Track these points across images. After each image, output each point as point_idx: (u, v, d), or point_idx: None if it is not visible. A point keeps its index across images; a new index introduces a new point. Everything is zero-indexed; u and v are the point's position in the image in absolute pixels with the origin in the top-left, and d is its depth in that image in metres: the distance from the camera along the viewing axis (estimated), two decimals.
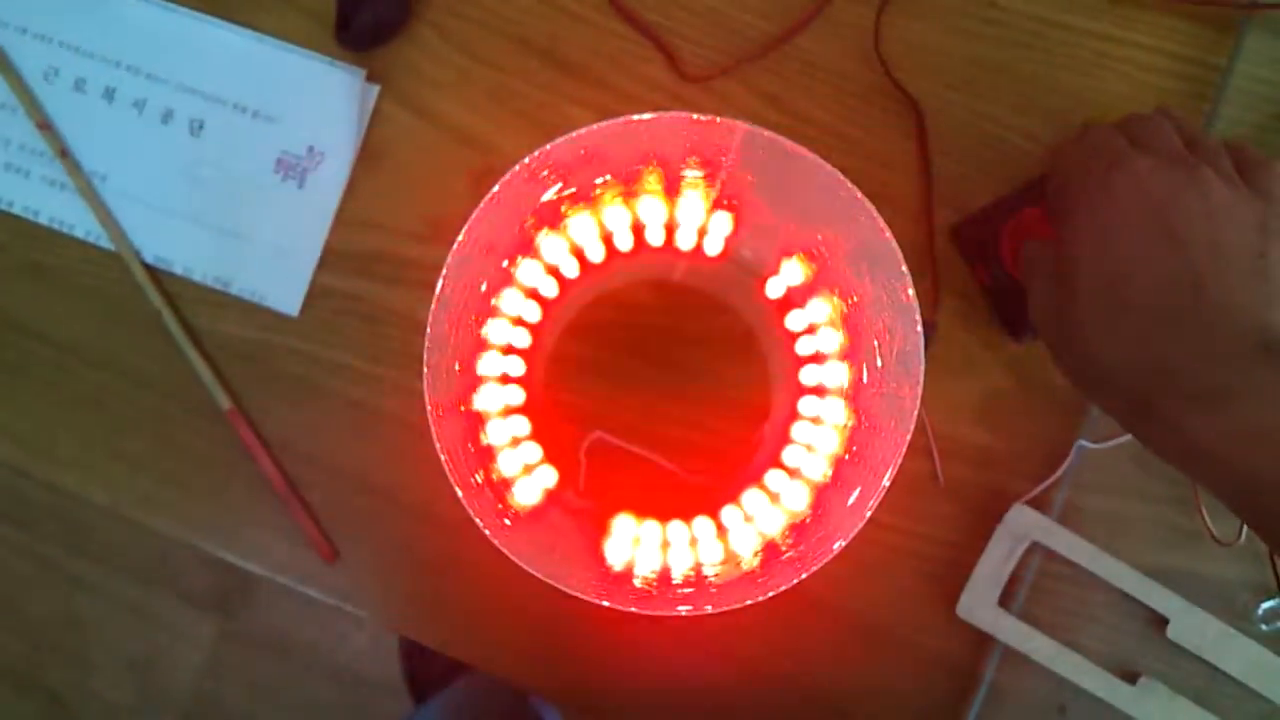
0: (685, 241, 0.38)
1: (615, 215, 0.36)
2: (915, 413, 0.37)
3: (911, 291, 0.34)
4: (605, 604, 0.38)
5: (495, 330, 0.39)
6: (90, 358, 0.51)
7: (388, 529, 0.51)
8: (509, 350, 0.40)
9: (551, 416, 0.49)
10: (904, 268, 0.34)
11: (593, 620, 0.50)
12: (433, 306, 0.36)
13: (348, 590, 0.51)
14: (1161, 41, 0.51)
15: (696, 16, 0.51)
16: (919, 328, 0.33)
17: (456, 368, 0.38)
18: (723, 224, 0.38)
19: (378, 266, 0.51)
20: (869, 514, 0.39)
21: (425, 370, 0.38)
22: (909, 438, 0.39)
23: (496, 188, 0.33)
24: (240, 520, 0.51)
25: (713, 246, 0.38)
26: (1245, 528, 0.50)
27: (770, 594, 0.39)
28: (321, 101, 0.50)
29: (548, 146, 0.32)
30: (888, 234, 0.33)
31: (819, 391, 0.41)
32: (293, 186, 0.51)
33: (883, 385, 0.38)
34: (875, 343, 0.38)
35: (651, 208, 0.37)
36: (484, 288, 0.38)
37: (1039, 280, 0.44)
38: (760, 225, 0.37)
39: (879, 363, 0.39)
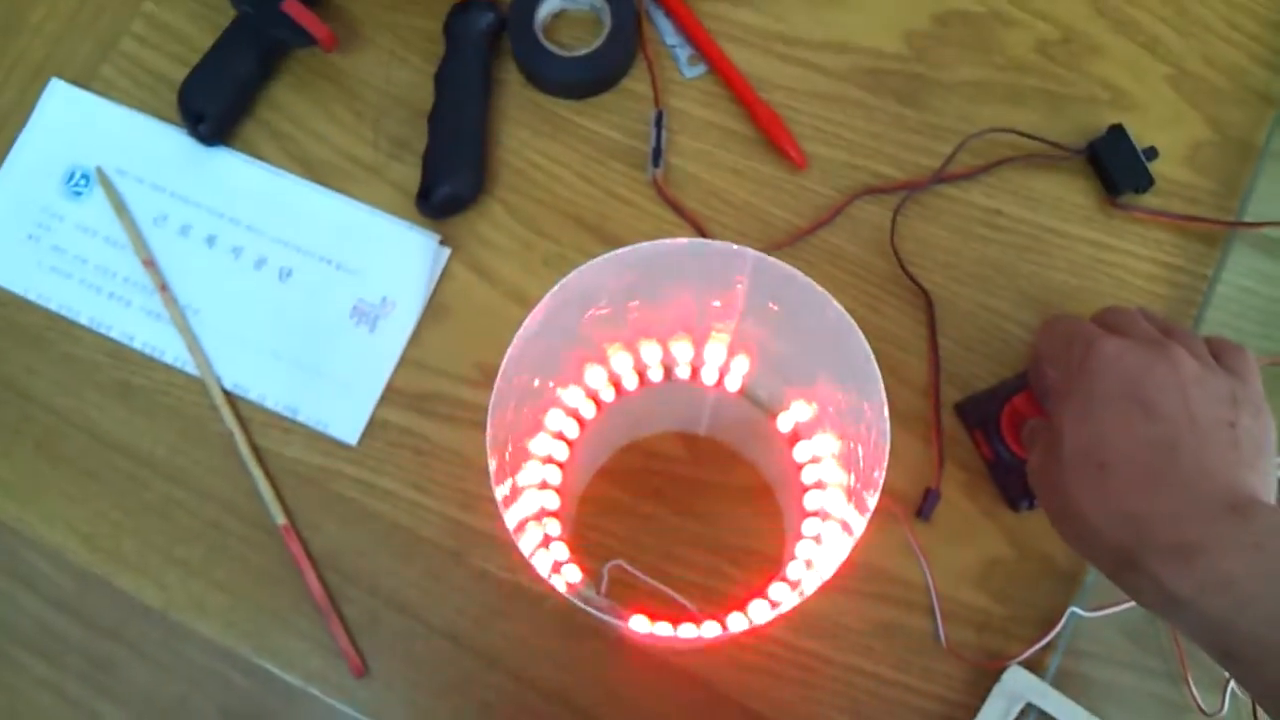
0: (709, 377, 0.43)
1: (648, 350, 0.41)
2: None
3: (884, 401, 0.37)
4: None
5: (539, 444, 0.44)
6: (162, 471, 0.56)
7: (417, 648, 0.54)
8: (548, 460, 0.44)
9: (576, 545, 0.53)
10: (883, 395, 0.37)
11: None
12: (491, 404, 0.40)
13: (373, 705, 0.53)
14: (1152, 251, 0.57)
15: (732, 208, 0.58)
16: (886, 439, 0.36)
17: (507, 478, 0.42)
18: (741, 364, 0.43)
19: (433, 405, 0.56)
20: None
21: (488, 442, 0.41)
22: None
23: (546, 296, 0.37)
24: (280, 630, 0.54)
25: (733, 383, 0.43)
26: (1228, 698, 0.52)
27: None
28: (399, 259, 0.57)
29: (582, 267, 0.36)
30: (869, 353, 0.36)
31: (821, 515, 0.44)
32: (365, 330, 0.56)
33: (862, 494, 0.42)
34: (860, 450, 0.42)
35: (680, 347, 0.42)
36: (528, 408, 0.42)
37: (1035, 451, 0.48)
38: (771, 362, 0.42)
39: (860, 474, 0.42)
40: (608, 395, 0.38)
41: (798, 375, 0.37)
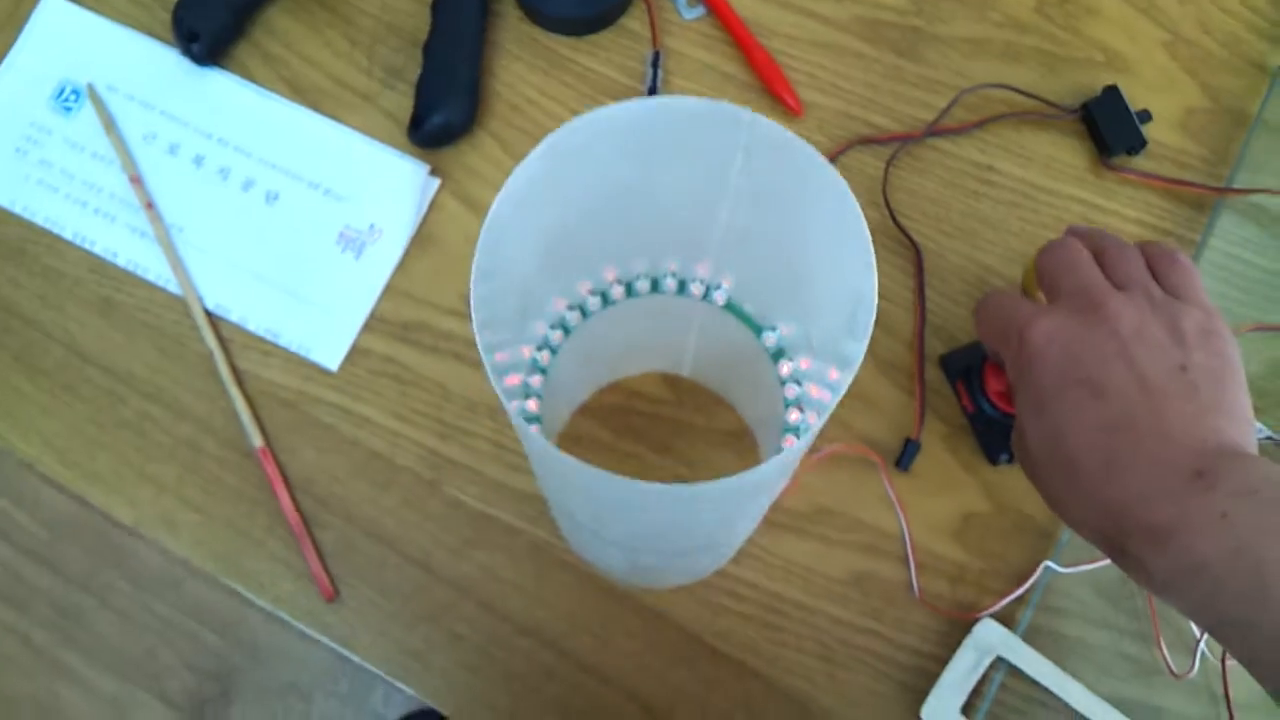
0: (696, 290, 0.42)
1: (637, 261, 0.41)
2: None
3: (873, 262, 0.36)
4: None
5: (521, 351, 0.43)
6: (140, 388, 0.55)
7: (389, 576, 0.53)
8: (532, 373, 0.43)
9: None
10: (870, 255, 0.36)
11: (578, 683, 0.52)
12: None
13: (342, 631, 0.53)
14: (1141, 213, 0.57)
15: None
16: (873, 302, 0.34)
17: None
18: (728, 275, 0.43)
19: (416, 335, 0.56)
20: None
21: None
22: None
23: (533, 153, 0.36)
24: (252, 552, 0.54)
25: (720, 297, 0.43)
26: (1198, 660, 0.52)
27: None
28: (388, 187, 0.56)
29: (572, 123, 0.34)
30: (858, 212, 0.35)
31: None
32: (351, 257, 0.56)
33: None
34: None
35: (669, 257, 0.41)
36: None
37: (1014, 443, 0.47)
38: (759, 273, 0.41)
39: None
40: (594, 304, 0.38)
41: (787, 288, 0.37)
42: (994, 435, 0.54)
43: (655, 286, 0.37)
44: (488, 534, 0.54)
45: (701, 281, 0.37)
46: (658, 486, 0.25)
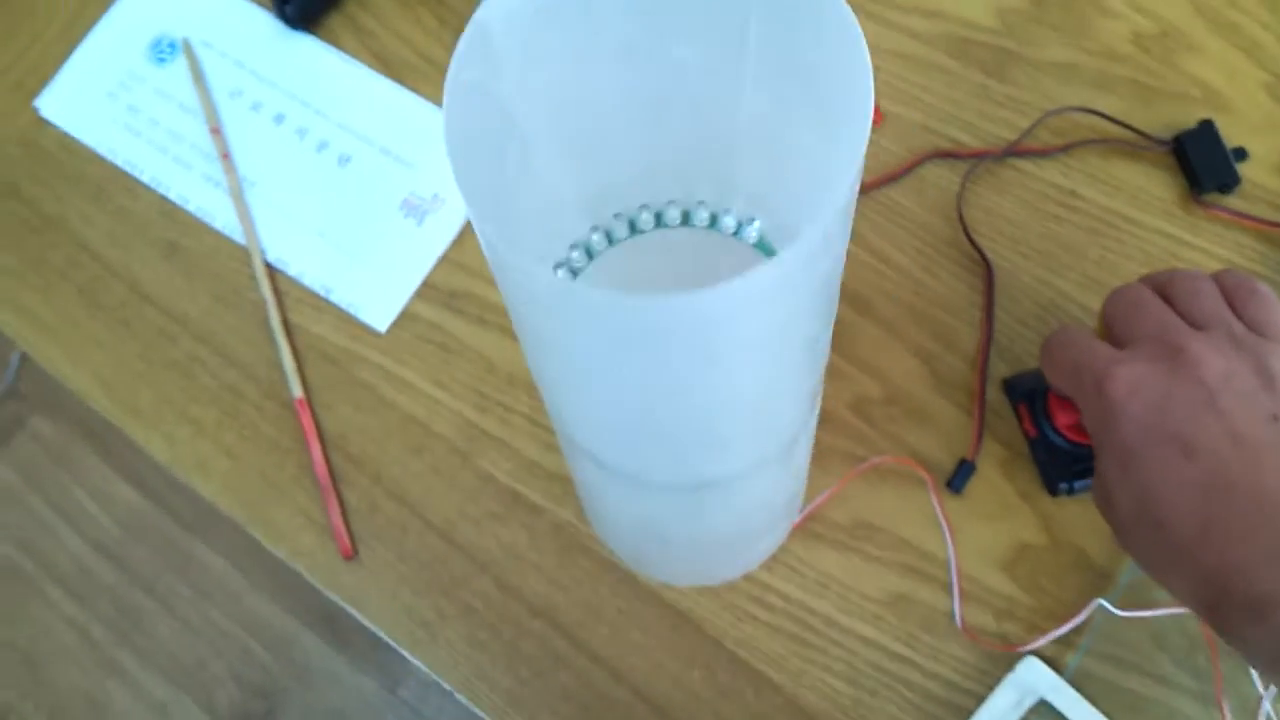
0: (728, 226, 0.40)
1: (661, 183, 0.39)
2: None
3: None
4: None
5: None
6: (193, 330, 0.56)
7: (410, 542, 0.52)
8: None
9: None
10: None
11: (587, 674, 0.50)
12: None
13: (356, 591, 0.52)
14: (1230, 253, 0.54)
15: None
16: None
17: None
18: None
19: (465, 305, 0.55)
20: None
21: None
22: None
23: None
24: (277, 502, 0.53)
25: (751, 235, 0.40)
26: None
27: None
28: None
29: None
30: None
31: None
32: (412, 224, 0.56)
33: None
34: None
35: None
36: None
37: (1095, 494, 0.44)
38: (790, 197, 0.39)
39: None
40: (620, 231, 0.37)
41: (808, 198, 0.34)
42: (1056, 464, 0.51)
43: (686, 219, 0.36)
44: (513, 510, 0.53)
45: (734, 217, 0.36)
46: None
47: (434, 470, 0.53)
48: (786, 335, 0.28)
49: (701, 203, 0.35)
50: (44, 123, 0.59)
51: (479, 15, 0.26)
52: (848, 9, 0.25)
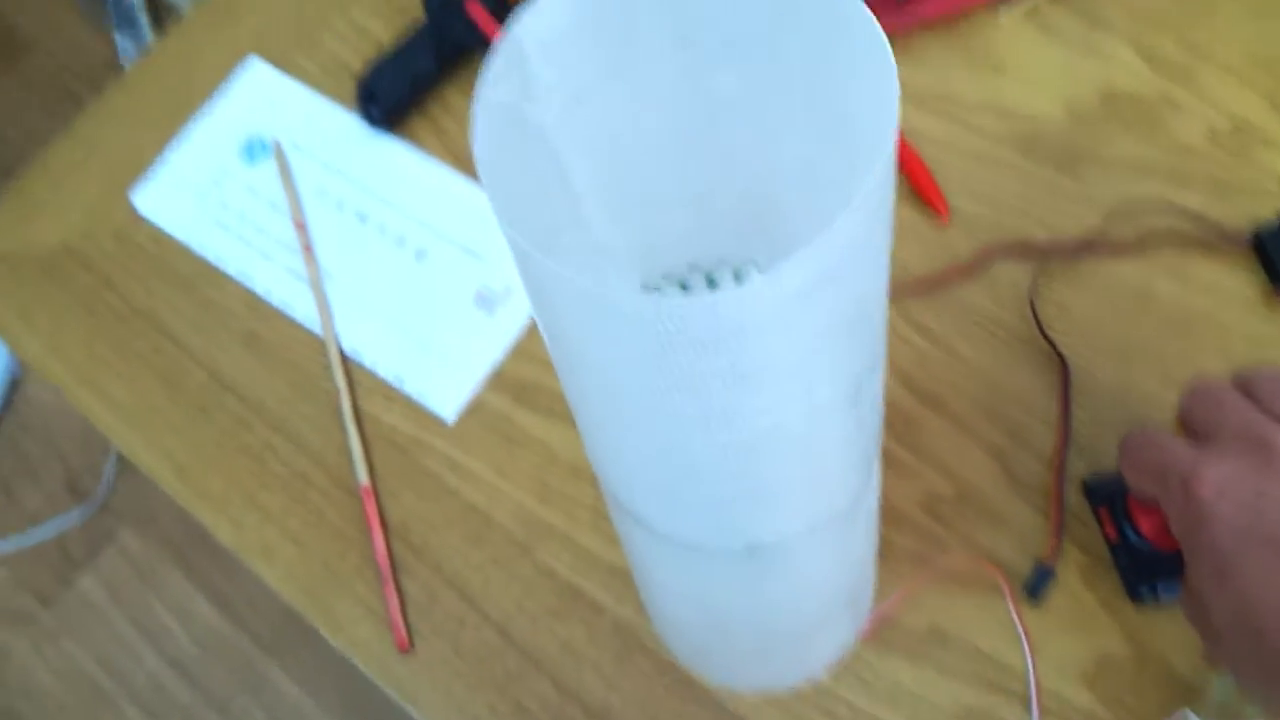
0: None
1: None
2: None
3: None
4: None
5: None
6: (267, 418, 0.57)
7: (467, 636, 0.51)
8: None
9: None
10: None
11: None
12: None
13: (409, 685, 0.51)
14: None
15: None
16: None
17: None
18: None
19: (533, 396, 0.56)
20: None
21: None
22: None
23: None
24: (337, 591, 0.53)
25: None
26: None
27: None
28: None
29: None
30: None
31: None
32: (484, 314, 0.57)
33: None
34: None
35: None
36: None
37: (1185, 603, 0.42)
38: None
39: None
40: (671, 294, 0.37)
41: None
42: (1139, 569, 0.48)
43: (739, 279, 0.36)
44: (573, 606, 0.52)
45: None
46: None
47: (494, 561, 0.53)
48: (821, 364, 0.27)
49: (753, 262, 0.35)
50: (139, 218, 0.62)
51: (513, 31, 0.27)
52: (873, 22, 0.26)
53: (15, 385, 1.52)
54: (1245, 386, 0.43)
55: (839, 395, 0.30)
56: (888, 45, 0.26)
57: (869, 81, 0.26)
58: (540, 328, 0.30)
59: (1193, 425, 0.43)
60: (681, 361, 0.26)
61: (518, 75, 0.27)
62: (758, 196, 0.33)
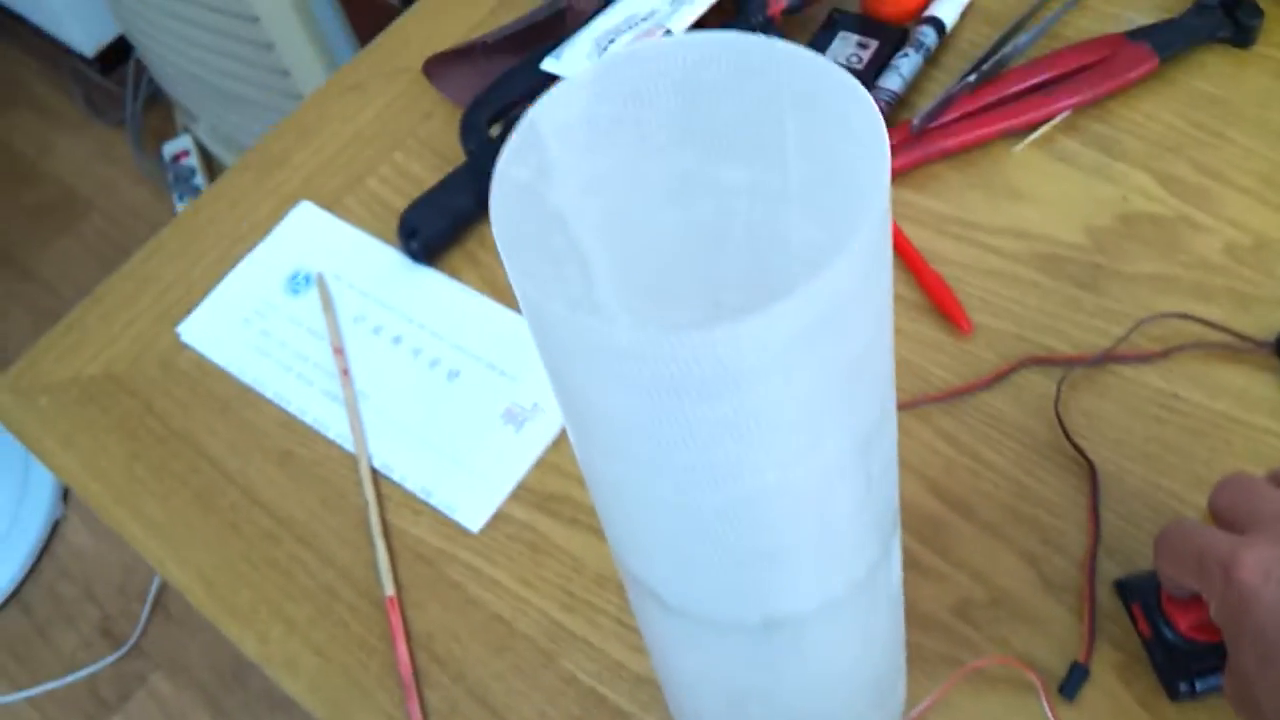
0: None
1: None
2: None
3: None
4: None
5: None
6: (297, 532, 0.57)
7: None
8: None
9: None
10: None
11: None
12: None
13: None
14: None
15: None
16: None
17: None
18: None
19: (559, 506, 0.56)
20: None
21: None
22: None
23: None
24: (360, 702, 0.52)
25: None
26: None
27: None
28: None
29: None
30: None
31: None
32: (512, 430, 0.58)
33: None
34: None
35: None
36: None
37: (1228, 692, 0.41)
38: None
39: None
40: None
41: None
42: (1175, 665, 0.47)
43: None
44: (596, 715, 0.50)
45: None
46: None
47: (516, 670, 0.52)
48: (826, 416, 0.28)
49: None
50: (183, 346, 0.64)
51: (530, 114, 0.29)
52: (859, 88, 0.27)
53: (55, 529, 1.54)
54: (1277, 480, 0.42)
55: (847, 451, 0.31)
56: (873, 102, 0.27)
57: (863, 142, 0.27)
58: (552, 386, 0.31)
59: (1226, 516, 0.42)
60: (684, 408, 0.26)
61: (535, 157, 0.29)
62: (770, 283, 0.34)
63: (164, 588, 1.44)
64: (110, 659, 1.40)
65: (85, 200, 1.93)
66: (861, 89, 0.26)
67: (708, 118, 0.29)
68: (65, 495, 1.55)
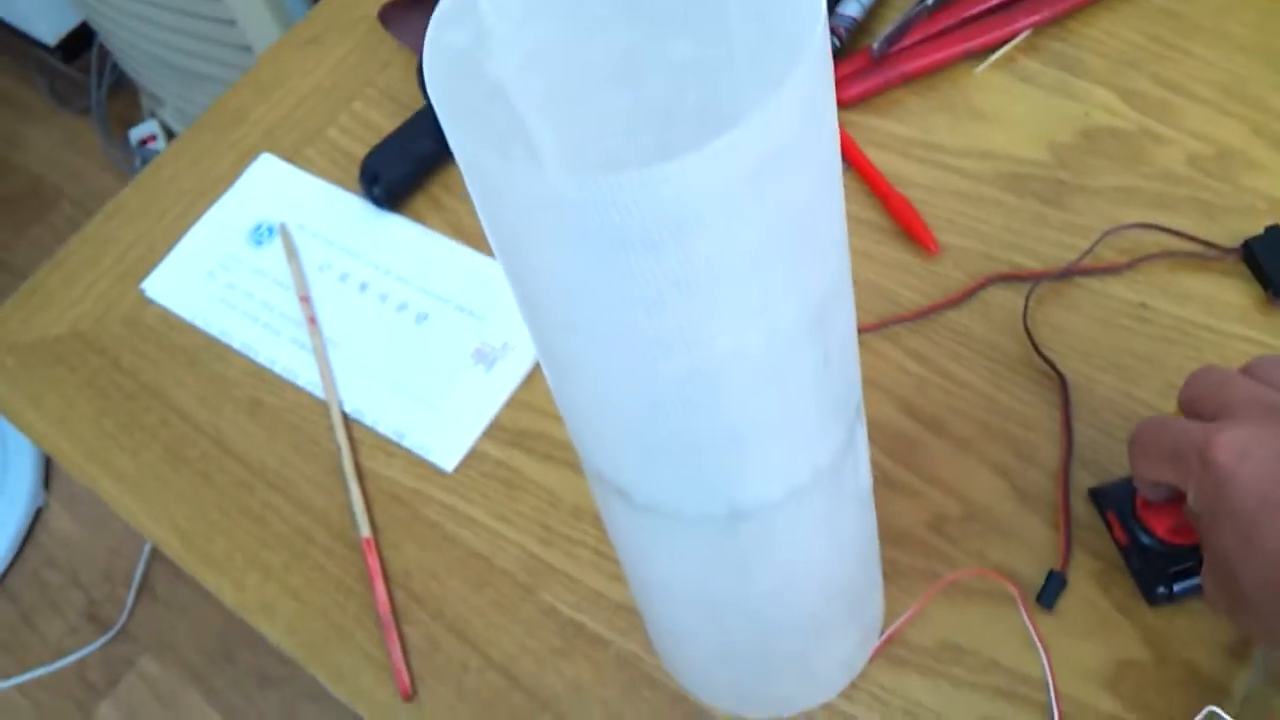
0: None
1: None
2: None
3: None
4: None
5: None
6: (269, 479, 0.57)
7: (470, 680, 0.50)
8: None
9: None
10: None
11: None
12: None
13: None
14: None
15: (857, 285, 0.57)
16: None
17: None
18: None
19: (532, 443, 0.56)
20: None
21: None
22: None
23: None
24: (339, 642, 0.52)
25: None
26: None
27: None
28: None
29: None
30: None
31: None
32: (482, 370, 0.58)
33: None
34: None
35: None
36: None
37: (1208, 579, 0.41)
38: None
39: None
40: None
41: None
42: (1152, 569, 0.47)
43: None
44: (577, 644, 0.50)
45: None
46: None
47: (496, 605, 0.52)
48: (776, 276, 0.27)
49: None
50: (148, 302, 0.64)
51: None
52: None
53: (38, 516, 1.53)
54: (1247, 372, 0.42)
55: (800, 320, 0.30)
56: None
57: None
58: (503, 266, 0.31)
59: (1198, 407, 0.42)
60: (630, 261, 0.26)
61: (471, 22, 0.29)
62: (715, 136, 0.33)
63: (149, 570, 1.44)
64: (98, 643, 1.40)
65: (55, 189, 1.91)
66: None
67: None
68: (46, 483, 1.54)
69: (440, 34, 0.27)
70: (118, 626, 1.41)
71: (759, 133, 0.24)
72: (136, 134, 1.86)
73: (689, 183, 0.23)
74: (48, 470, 1.55)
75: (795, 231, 0.28)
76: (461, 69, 0.27)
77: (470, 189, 0.27)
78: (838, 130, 0.28)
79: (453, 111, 0.25)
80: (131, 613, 1.42)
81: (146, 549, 1.43)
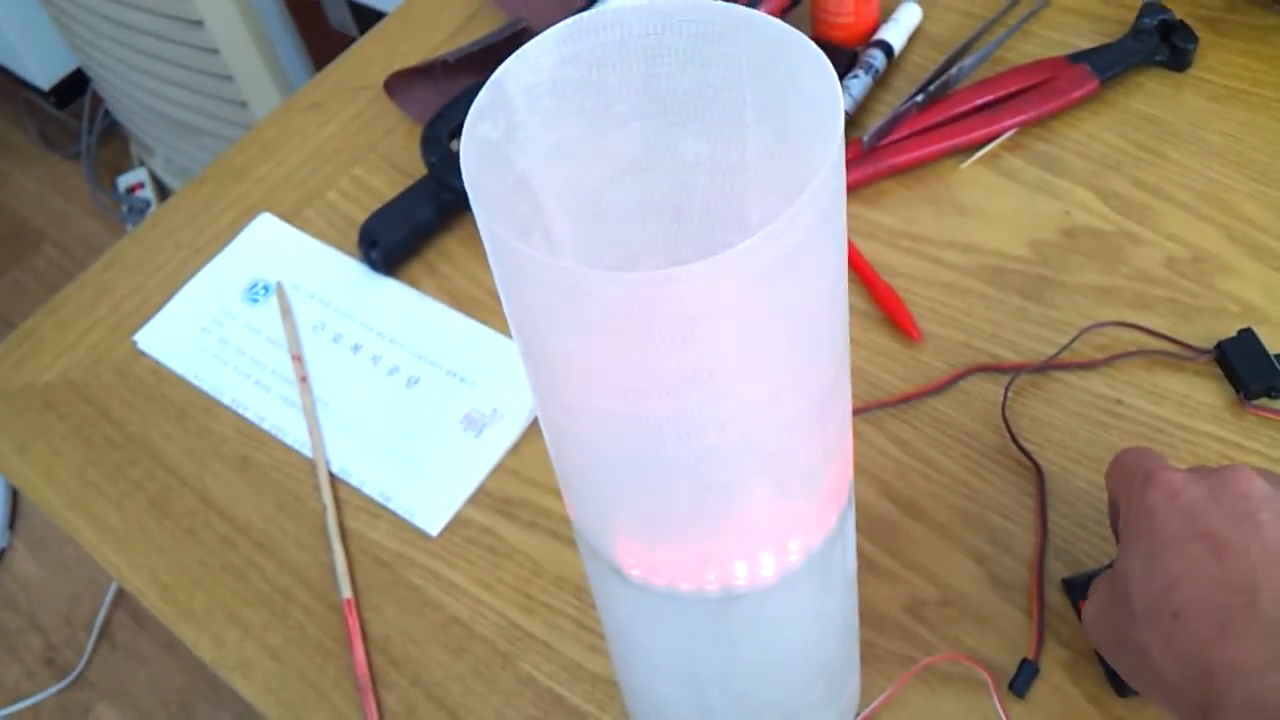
0: None
1: None
2: None
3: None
4: None
5: None
6: (253, 537, 0.57)
7: None
8: None
9: None
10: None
11: None
12: None
13: None
14: None
15: None
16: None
17: None
18: None
19: (517, 510, 0.56)
20: None
21: None
22: None
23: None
24: (315, 704, 0.52)
25: None
26: None
27: None
28: (518, 380, 0.60)
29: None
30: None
31: None
32: (471, 436, 0.58)
33: None
34: None
35: None
36: None
37: (1095, 598, 0.44)
38: None
39: None
40: None
41: None
42: None
43: None
44: (554, 715, 0.51)
45: None
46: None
47: (474, 671, 0.52)
48: (786, 367, 0.28)
49: None
50: (140, 354, 0.64)
51: (499, 74, 0.29)
52: (822, 58, 0.28)
53: (1, 557, 1.51)
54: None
55: (806, 408, 0.31)
56: (826, 59, 0.29)
57: (817, 98, 0.29)
58: (519, 346, 0.32)
59: (1126, 480, 0.46)
60: (648, 351, 0.27)
61: (503, 117, 0.30)
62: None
63: (110, 617, 1.42)
64: (54, 689, 1.38)
65: (38, 232, 1.91)
66: (814, 47, 0.27)
67: (670, 87, 0.30)
68: (11, 524, 1.52)
69: (476, 125, 0.28)
70: (75, 672, 1.39)
71: (774, 239, 0.25)
72: (124, 181, 1.87)
73: (707, 280, 0.25)
74: (13, 511, 1.53)
75: (804, 326, 0.29)
76: (492, 159, 0.28)
77: (494, 271, 0.29)
78: (845, 231, 0.30)
79: (482, 198, 0.27)
80: (90, 660, 1.40)
81: (109, 595, 1.42)
